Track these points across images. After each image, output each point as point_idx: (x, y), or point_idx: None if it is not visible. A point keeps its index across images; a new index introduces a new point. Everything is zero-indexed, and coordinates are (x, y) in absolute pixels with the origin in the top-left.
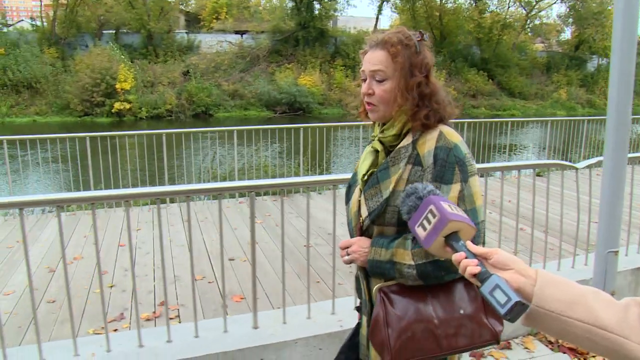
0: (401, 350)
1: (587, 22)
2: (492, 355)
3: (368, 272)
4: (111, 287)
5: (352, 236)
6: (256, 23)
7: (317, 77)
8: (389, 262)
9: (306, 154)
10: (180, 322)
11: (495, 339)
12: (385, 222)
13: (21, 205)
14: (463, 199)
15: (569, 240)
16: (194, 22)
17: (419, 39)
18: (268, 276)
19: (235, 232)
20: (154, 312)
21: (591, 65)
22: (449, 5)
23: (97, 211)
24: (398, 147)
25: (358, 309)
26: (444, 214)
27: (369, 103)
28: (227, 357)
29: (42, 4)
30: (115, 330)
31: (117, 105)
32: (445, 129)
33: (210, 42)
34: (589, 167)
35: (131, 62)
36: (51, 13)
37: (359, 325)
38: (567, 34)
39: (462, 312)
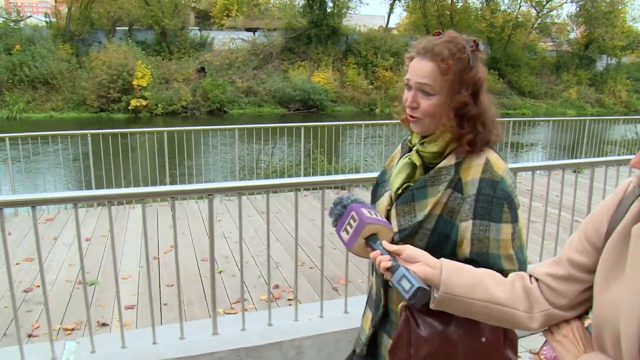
0: None
1: (597, 21)
2: None
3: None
4: (220, 272)
5: None
6: (267, 20)
7: (330, 74)
8: None
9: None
10: (300, 303)
11: None
12: (413, 243)
13: (109, 198)
14: (514, 240)
15: None
16: (204, 19)
17: (472, 49)
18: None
19: (313, 223)
20: (273, 295)
21: (600, 65)
22: (460, 4)
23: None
24: (439, 166)
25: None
26: (362, 218)
27: (412, 115)
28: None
29: (56, 0)
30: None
31: (133, 101)
32: (493, 157)
33: (223, 40)
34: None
35: (145, 58)
36: (62, 9)
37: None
38: (574, 33)
39: (484, 340)
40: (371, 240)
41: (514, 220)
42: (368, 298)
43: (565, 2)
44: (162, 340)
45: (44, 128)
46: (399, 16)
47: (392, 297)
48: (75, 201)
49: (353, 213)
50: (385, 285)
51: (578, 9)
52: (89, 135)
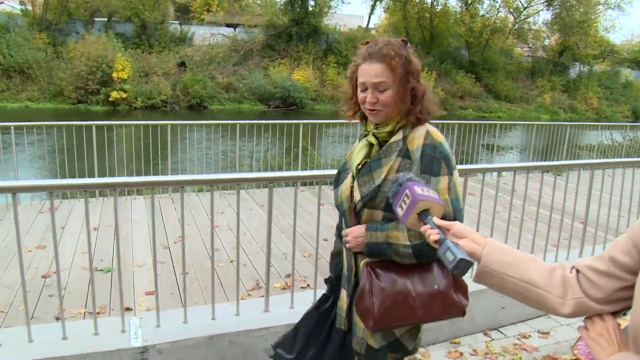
0: (383, 317)
1: (571, 30)
2: None
3: (365, 253)
4: (231, 262)
5: (342, 217)
6: (248, 17)
7: (310, 73)
8: (385, 243)
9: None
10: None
11: (461, 312)
12: (375, 206)
13: (113, 186)
14: (450, 189)
15: (602, 229)
16: (183, 13)
17: (403, 46)
18: None
19: (312, 216)
20: (287, 283)
21: (573, 72)
22: (439, 7)
23: (173, 195)
24: (390, 141)
25: (327, 280)
26: (415, 195)
27: (373, 109)
28: None
29: None
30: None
31: (114, 94)
32: (431, 129)
33: (203, 35)
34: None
35: (125, 50)
36: None
37: (325, 296)
38: (549, 40)
39: (436, 287)
40: (423, 216)
41: (450, 173)
42: (342, 279)
43: (542, 9)
44: (219, 316)
45: (20, 118)
46: (378, 17)
47: (360, 268)
48: (85, 188)
49: (407, 191)
50: (355, 257)
51: (554, 16)
52: (73, 126)
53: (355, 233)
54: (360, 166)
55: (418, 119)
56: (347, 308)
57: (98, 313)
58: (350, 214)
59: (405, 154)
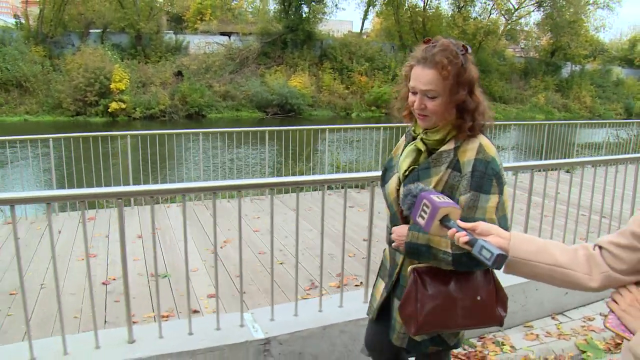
0: (426, 323)
1: (562, 30)
2: None
3: (404, 253)
4: (281, 263)
5: (394, 217)
6: (242, 25)
7: (307, 79)
8: (425, 245)
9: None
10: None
11: (499, 323)
12: None
13: (151, 194)
14: (498, 208)
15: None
16: (176, 22)
17: (463, 53)
18: None
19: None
20: (340, 282)
21: (565, 72)
22: (431, 11)
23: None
24: (440, 150)
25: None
26: (435, 204)
27: (422, 114)
28: None
29: (27, 1)
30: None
31: (113, 104)
32: (485, 142)
33: (198, 44)
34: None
35: (121, 61)
36: (31, 10)
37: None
38: (540, 40)
39: (479, 298)
40: (445, 221)
41: (500, 192)
42: (380, 269)
43: (533, 10)
44: (325, 309)
45: (21, 132)
46: (370, 22)
47: (405, 265)
48: (120, 196)
49: (425, 201)
50: (400, 255)
51: (544, 17)
52: (80, 138)
53: (400, 232)
54: (407, 172)
55: (469, 136)
56: (382, 301)
57: (167, 316)
58: (399, 216)
59: (456, 166)
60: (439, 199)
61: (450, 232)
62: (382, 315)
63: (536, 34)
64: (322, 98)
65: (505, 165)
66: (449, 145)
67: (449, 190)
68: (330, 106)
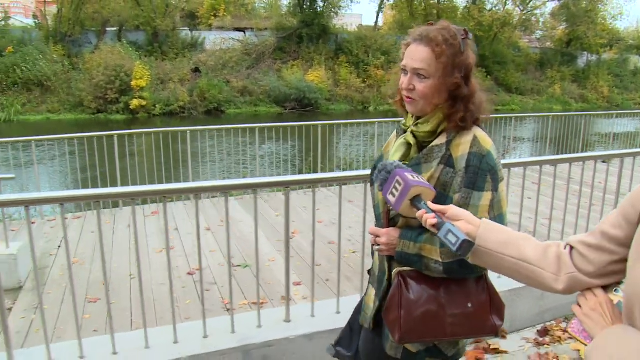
0: (410, 331)
1: (579, 19)
2: None
3: (395, 260)
4: (353, 252)
5: (378, 219)
6: (256, 20)
7: (323, 73)
8: (417, 255)
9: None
10: None
11: (494, 333)
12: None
13: (196, 191)
14: (493, 206)
15: None
16: (190, 19)
17: (463, 37)
18: None
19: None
20: None
21: (581, 62)
22: (446, 3)
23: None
24: (432, 145)
25: (369, 272)
26: (407, 181)
27: (408, 97)
28: None
29: (45, 1)
30: None
31: (135, 102)
32: (480, 134)
33: (214, 40)
34: None
35: (140, 59)
36: (48, 10)
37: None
38: (556, 30)
39: (469, 306)
40: (416, 201)
41: (495, 189)
42: (370, 277)
43: (548, 0)
44: None
45: (44, 130)
46: (384, 15)
47: (393, 269)
48: (196, 192)
49: (398, 177)
50: (390, 260)
51: (560, 6)
52: (115, 136)
53: (387, 239)
54: None
55: (460, 127)
56: (375, 310)
57: (262, 303)
58: (385, 218)
59: (449, 161)
60: (413, 177)
61: (419, 213)
62: (377, 323)
63: (551, 24)
64: (339, 92)
65: (543, 158)
66: (441, 139)
67: (442, 188)
68: (348, 100)
